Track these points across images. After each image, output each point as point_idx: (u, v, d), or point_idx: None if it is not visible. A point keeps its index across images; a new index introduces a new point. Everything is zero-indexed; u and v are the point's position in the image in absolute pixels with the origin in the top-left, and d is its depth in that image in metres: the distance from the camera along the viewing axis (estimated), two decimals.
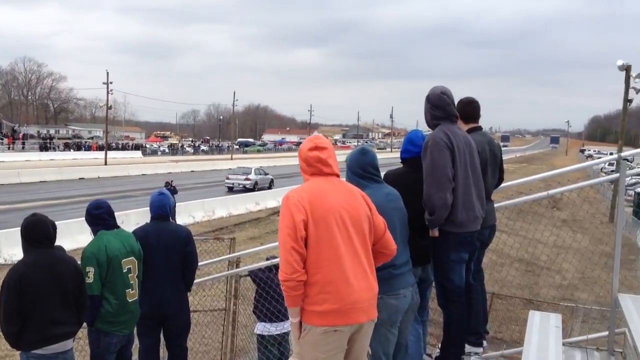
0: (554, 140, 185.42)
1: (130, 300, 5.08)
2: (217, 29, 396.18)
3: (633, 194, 39.07)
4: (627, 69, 32.58)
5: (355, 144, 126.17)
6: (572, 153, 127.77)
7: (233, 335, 9.00)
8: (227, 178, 43.45)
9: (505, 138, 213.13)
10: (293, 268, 3.18)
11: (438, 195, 4.06)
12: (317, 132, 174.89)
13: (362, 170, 3.97)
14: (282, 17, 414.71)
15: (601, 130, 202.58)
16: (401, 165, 4.61)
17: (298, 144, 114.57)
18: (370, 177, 3.97)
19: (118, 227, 5.22)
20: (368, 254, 3.41)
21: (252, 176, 42.80)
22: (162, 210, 5.65)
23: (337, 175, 3.53)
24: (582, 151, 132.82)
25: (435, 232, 4.17)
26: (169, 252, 5.45)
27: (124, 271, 5.03)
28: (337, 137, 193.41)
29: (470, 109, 4.83)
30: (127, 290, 5.05)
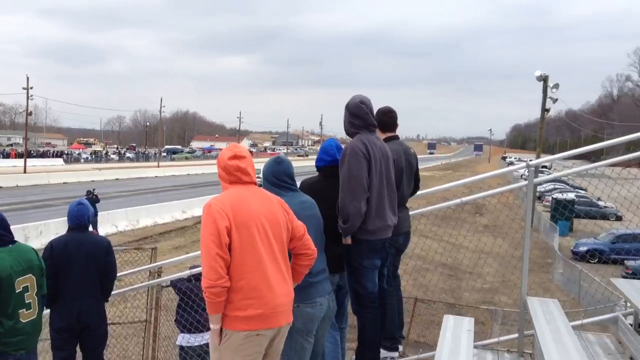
0: (478, 148, 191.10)
1: (24, 321, 4.72)
2: (143, 34, 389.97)
3: (551, 199, 40.72)
4: (544, 79, 33.94)
5: (285, 151, 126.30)
6: (495, 160, 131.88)
7: (154, 347, 8.83)
8: None
9: (431, 146, 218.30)
10: (218, 274, 3.22)
11: (353, 204, 4.12)
12: (247, 139, 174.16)
13: (277, 179, 4.00)
14: (209, 23, 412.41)
15: (522, 138, 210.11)
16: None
17: None
18: (285, 186, 3.99)
19: (14, 242, 4.87)
20: (286, 260, 3.51)
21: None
22: (80, 220, 5.51)
23: (255, 184, 3.60)
24: (504, 158, 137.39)
25: (348, 240, 4.23)
26: (88, 262, 5.33)
27: (19, 291, 4.69)
28: (267, 144, 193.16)
29: (387, 118, 4.91)
30: (20, 311, 4.69)
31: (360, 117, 4.33)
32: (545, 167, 38.01)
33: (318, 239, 4.00)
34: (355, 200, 4.12)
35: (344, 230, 4.19)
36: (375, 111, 4.65)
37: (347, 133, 4.43)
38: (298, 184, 4.55)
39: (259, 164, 5.22)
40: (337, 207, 4.22)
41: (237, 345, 3.31)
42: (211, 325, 3.36)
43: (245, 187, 3.50)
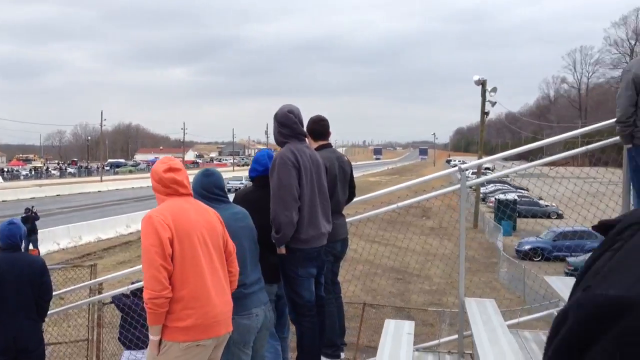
0: (423, 152, 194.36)
1: None
2: (82, 47, 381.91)
3: (494, 200, 41.62)
4: (482, 83, 34.75)
5: (232, 161, 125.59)
6: (440, 163, 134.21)
7: None
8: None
9: (377, 151, 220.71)
10: (162, 285, 3.23)
11: (284, 214, 4.13)
12: (192, 150, 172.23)
13: (207, 191, 3.97)
14: (150, 34, 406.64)
15: (465, 141, 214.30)
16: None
17: None
18: (216, 198, 3.95)
19: None
20: (224, 270, 3.56)
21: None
22: (12, 240, 5.35)
23: (192, 195, 3.63)
24: (449, 161, 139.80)
25: (282, 250, 4.23)
26: (22, 283, 5.18)
27: None
28: (213, 154, 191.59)
29: (319, 127, 4.95)
30: None
31: (288, 126, 4.35)
32: (488, 168, 38.85)
33: (252, 250, 4.00)
34: (286, 210, 4.13)
35: (277, 240, 4.18)
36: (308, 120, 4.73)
37: (277, 143, 4.45)
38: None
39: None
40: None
41: (175, 357, 3.31)
42: (150, 337, 3.34)
43: (182, 199, 3.53)
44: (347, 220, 5.30)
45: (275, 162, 4.24)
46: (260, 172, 4.53)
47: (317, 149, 4.78)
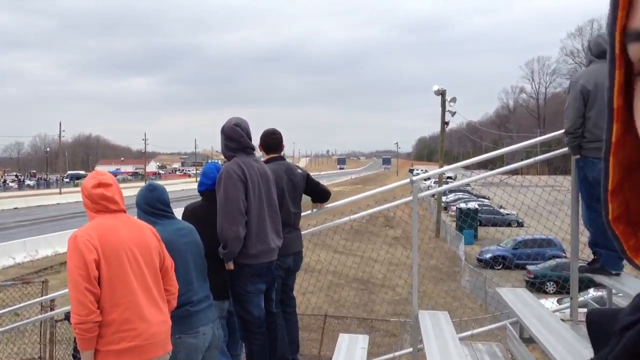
0: (386, 162, 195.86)
1: None
2: (40, 56, 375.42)
3: (456, 209, 42.05)
4: (442, 93, 35.17)
5: (195, 172, 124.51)
6: (403, 173, 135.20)
7: None
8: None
9: (341, 161, 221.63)
10: (88, 309, 3.10)
11: (230, 229, 4.06)
12: (154, 161, 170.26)
13: (151, 207, 3.86)
14: (107, 43, 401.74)
15: (427, 150, 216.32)
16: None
17: (134, 174, 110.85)
18: (159, 214, 3.86)
19: None
20: (160, 288, 3.42)
21: None
22: None
23: (124, 211, 3.47)
24: (411, 171, 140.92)
25: (230, 265, 4.15)
26: None
27: None
28: (176, 165, 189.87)
29: (270, 140, 4.91)
30: None
31: (235, 139, 4.29)
32: (450, 177, 39.25)
33: (199, 265, 3.91)
34: (232, 225, 4.05)
35: (224, 255, 4.11)
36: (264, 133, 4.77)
37: (224, 156, 4.38)
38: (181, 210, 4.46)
39: (167, 186, 5.07)
40: None
41: None
42: None
43: (113, 216, 3.37)
44: (305, 231, 5.24)
45: (222, 175, 4.17)
46: (209, 186, 4.44)
47: (266, 161, 4.74)
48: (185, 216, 4.33)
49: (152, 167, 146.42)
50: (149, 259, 3.37)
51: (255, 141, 4.47)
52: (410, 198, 5.07)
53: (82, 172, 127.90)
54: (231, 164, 4.22)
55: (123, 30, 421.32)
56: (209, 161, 5.01)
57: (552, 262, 24.59)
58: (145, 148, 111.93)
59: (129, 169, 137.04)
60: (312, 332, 16.33)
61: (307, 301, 9.72)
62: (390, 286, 21.77)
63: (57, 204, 61.94)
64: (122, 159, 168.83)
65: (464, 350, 4.29)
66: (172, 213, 3.96)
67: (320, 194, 5.12)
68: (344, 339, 4.87)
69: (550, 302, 11.18)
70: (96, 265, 3.15)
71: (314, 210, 5.29)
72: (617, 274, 4.47)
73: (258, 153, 4.64)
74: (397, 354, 5.33)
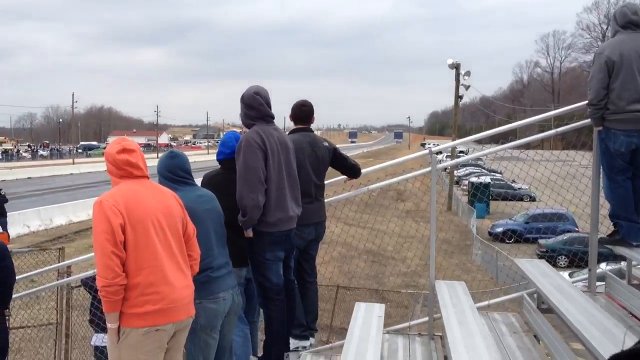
0: (398, 136, 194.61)
1: None
2: (53, 27, 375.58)
3: (468, 183, 41.95)
4: (456, 67, 34.83)
5: (206, 144, 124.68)
6: (415, 147, 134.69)
7: (67, 349, 8.51)
8: None
9: (353, 134, 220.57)
10: (115, 272, 3.16)
11: (250, 197, 4.05)
12: (166, 133, 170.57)
13: (172, 173, 3.87)
14: (121, 15, 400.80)
15: (439, 125, 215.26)
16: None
17: (146, 145, 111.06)
18: (181, 181, 3.87)
19: None
20: (183, 254, 3.47)
21: None
22: None
23: (148, 177, 3.51)
24: (423, 145, 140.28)
25: (249, 233, 4.16)
26: None
27: None
28: (188, 137, 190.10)
29: (300, 111, 4.87)
30: None
31: (255, 108, 4.26)
32: (462, 152, 39.07)
33: (219, 233, 3.93)
34: (252, 193, 4.05)
35: (243, 223, 4.12)
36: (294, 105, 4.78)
37: (244, 125, 4.37)
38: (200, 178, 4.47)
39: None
40: None
41: (135, 343, 3.26)
42: (108, 325, 3.28)
43: (137, 182, 3.41)
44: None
45: (241, 144, 4.15)
46: (227, 155, 4.45)
47: (292, 131, 4.74)
48: (203, 184, 4.33)
49: (164, 139, 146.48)
50: (172, 224, 3.41)
51: (276, 110, 4.44)
52: (429, 169, 5.04)
53: (94, 143, 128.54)
54: (251, 132, 4.20)
55: (136, 1, 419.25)
56: (228, 131, 4.99)
57: (564, 236, 24.54)
58: (157, 120, 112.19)
59: (141, 140, 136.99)
60: (324, 303, 16.48)
61: (320, 272, 9.77)
62: (400, 258, 21.84)
63: (70, 174, 62.35)
64: (134, 130, 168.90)
65: (481, 320, 4.30)
66: (193, 180, 3.96)
67: (350, 169, 5.06)
68: (360, 307, 4.88)
69: (565, 276, 11.17)
70: (122, 229, 3.20)
71: (350, 186, 5.29)
72: (638, 245, 4.45)
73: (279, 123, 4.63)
74: (412, 322, 5.34)
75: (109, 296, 3.17)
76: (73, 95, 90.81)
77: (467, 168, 48.74)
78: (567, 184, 6.69)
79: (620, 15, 4.59)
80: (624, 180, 4.49)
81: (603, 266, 7.17)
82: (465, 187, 45.99)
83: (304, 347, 4.79)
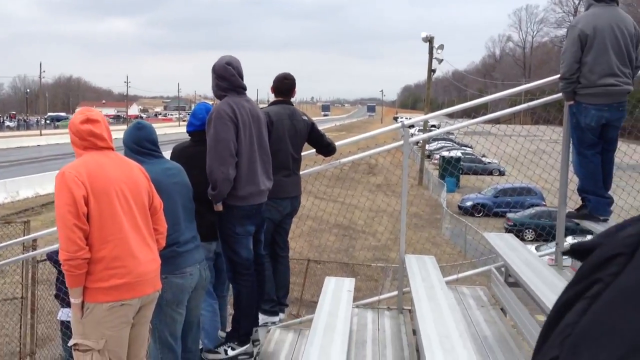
0: (371, 109, 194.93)
1: None
2: None
3: (439, 157, 42.23)
4: (430, 40, 34.78)
5: (177, 116, 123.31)
6: (387, 120, 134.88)
7: (32, 324, 8.41)
8: None
9: (325, 108, 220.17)
10: (77, 245, 3.08)
11: (220, 170, 3.97)
12: (136, 104, 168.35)
13: (139, 145, 3.78)
14: None
15: (412, 98, 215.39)
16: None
17: (116, 117, 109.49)
18: (147, 153, 3.78)
19: None
20: (149, 227, 3.42)
21: None
22: None
23: (112, 149, 3.42)
24: (396, 119, 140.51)
25: (219, 207, 4.09)
26: None
27: None
28: (158, 109, 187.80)
29: (281, 84, 4.80)
30: None
31: (226, 79, 4.15)
32: (434, 126, 39.24)
33: (186, 207, 3.86)
34: (222, 166, 3.97)
35: (213, 196, 4.03)
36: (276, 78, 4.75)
37: (215, 96, 4.26)
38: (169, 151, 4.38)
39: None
40: None
41: (100, 318, 3.20)
42: (72, 300, 3.21)
43: (101, 153, 3.32)
44: None
45: (212, 116, 4.05)
46: (197, 127, 4.35)
47: (272, 103, 4.67)
48: (173, 156, 4.25)
49: (134, 110, 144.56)
50: (138, 197, 3.34)
51: (247, 81, 4.35)
52: (401, 142, 5.01)
53: (62, 114, 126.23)
54: (222, 104, 4.10)
55: None
56: (200, 102, 4.90)
57: (531, 211, 24.87)
58: (127, 91, 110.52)
59: (111, 112, 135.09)
60: (294, 276, 16.52)
61: (290, 246, 9.78)
62: (370, 232, 21.97)
63: (38, 145, 61.21)
64: (104, 101, 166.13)
65: (450, 293, 4.32)
66: (161, 152, 3.89)
67: (325, 147, 4.99)
68: (330, 281, 4.87)
69: (532, 249, 11.33)
70: (85, 201, 3.13)
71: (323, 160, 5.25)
72: (605, 220, 4.50)
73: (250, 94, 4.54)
74: (382, 296, 5.36)
75: (72, 270, 3.10)
76: (41, 64, 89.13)
77: (439, 142, 49.02)
78: (536, 158, 6.74)
79: None
80: (594, 155, 4.52)
81: (569, 240, 7.28)
82: (436, 162, 46.29)
83: (273, 323, 4.78)
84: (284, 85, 4.81)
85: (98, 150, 3.31)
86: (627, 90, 4.53)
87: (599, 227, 4.45)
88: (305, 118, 4.88)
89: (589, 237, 5.14)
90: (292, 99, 4.91)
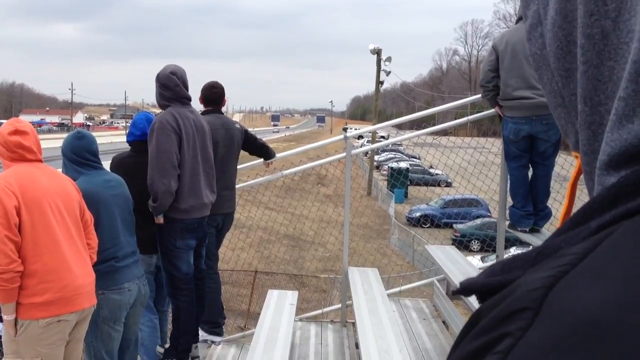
0: (320, 120, 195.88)
1: None
2: None
3: (388, 168, 42.63)
4: (378, 52, 35.16)
5: (124, 124, 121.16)
6: (337, 131, 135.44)
7: None
8: None
9: (275, 118, 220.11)
10: (9, 258, 2.97)
11: (161, 182, 3.90)
12: (82, 112, 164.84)
13: (78, 156, 3.67)
14: None
15: (361, 109, 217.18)
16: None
17: (60, 125, 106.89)
18: (86, 164, 3.67)
19: None
20: (82, 240, 3.33)
21: None
22: None
23: (41, 161, 3.33)
24: (345, 129, 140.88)
25: (160, 219, 4.00)
26: None
27: None
28: (105, 117, 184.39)
29: (210, 93, 4.71)
30: None
31: (170, 88, 4.08)
32: (382, 137, 39.58)
33: (126, 220, 3.77)
34: (164, 178, 3.89)
35: (154, 209, 3.95)
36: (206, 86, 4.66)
37: (159, 105, 4.18)
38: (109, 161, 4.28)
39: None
40: None
41: (36, 335, 3.08)
42: (4, 316, 3.09)
43: (30, 165, 3.22)
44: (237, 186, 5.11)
45: (154, 126, 3.97)
46: (138, 137, 4.26)
47: (203, 113, 4.58)
48: (112, 167, 4.15)
49: (79, 118, 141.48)
50: (70, 209, 3.26)
51: (194, 92, 4.30)
52: (344, 154, 5.02)
53: (3, 120, 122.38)
54: (165, 114, 4.03)
55: None
56: (140, 112, 4.81)
57: (477, 221, 25.30)
58: (72, 98, 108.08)
59: (55, 119, 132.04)
60: (242, 288, 16.36)
61: (236, 257, 9.68)
62: (320, 243, 21.97)
63: None
64: (48, 108, 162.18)
65: (392, 306, 4.34)
66: (100, 164, 3.78)
67: (259, 149, 4.97)
68: (272, 295, 4.83)
69: (476, 260, 11.51)
70: (17, 212, 3.02)
71: (265, 170, 5.22)
72: (524, 231, 4.58)
73: (195, 104, 4.48)
74: (326, 309, 5.35)
75: (4, 284, 2.98)
76: None
77: (387, 153, 49.55)
78: (485, 169, 6.86)
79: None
80: (516, 168, 4.61)
81: (512, 250, 7.43)
82: (385, 172, 46.70)
83: (214, 342, 4.72)
84: (214, 94, 4.74)
85: (26, 162, 3.22)
86: (544, 103, 4.57)
87: (536, 240, 4.54)
88: (238, 126, 4.85)
89: (531, 247, 5.24)
90: (235, 108, 4.87)
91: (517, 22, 4.83)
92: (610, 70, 0.38)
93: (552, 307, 0.32)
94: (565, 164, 5.40)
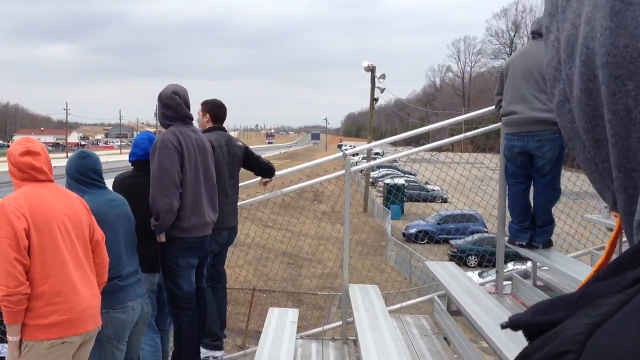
0: (315, 137, 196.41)
1: None
2: None
3: (384, 185, 42.66)
4: (372, 70, 35.33)
5: (119, 143, 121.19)
6: (332, 148, 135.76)
7: None
8: None
9: (270, 135, 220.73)
10: (18, 281, 2.97)
11: (163, 201, 3.93)
12: (76, 132, 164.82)
13: (82, 175, 3.69)
14: (24, 8, 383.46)
15: (356, 126, 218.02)
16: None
17: (55, 144, 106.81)
18: (91, 183, 3.70)
19: None
20: (89, 261, 3.34)
21: None
22: None
23: (52, 181, 3.34)
24: (340, 146, 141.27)
25: (162, 238, 4.03)
26: None
27: None
28: (100, 136, 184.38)
29: (220, 111, 4.82)
30: None
31: (172, 108, 4.13)
32: (377, 154, 39.68)
33: (129, 239, 3.79)
34: (166, 197, 3.92)
35: (156, 227, 3.99)
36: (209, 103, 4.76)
37: (161, 125, 4.23)
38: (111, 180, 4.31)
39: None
40: None
41: (40, 356, 3.08)
42: (9, 337, 3.09)
43: (40, 185, 3.23)
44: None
45: (157, 145, 4.01)
46: (140, 157, 4.31)
47: (207, 130, 4.63)
48: (115, 186, 4.19)
49: (73, 137, 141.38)
50: (79, 230, 3.27)
51: (194, 111, 4.34)
52: (343, 172, 5.06)
53: None
54: (167, 133, 4.07)
55: None
56: (141, 131, 4.87)
57: (474, 237, 25.31)
58: (66, 118, 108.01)
59: (50, 139, 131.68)
60: (240, 306, 16.29)
61: (235, 275, 9.69)
62: (318, 260, 21.92)
63: None
64: (42, 128, 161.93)
65: (393, 322, 4.35)
66: (104, 183, 3.81)
67: (262, 169, 5.01)
68: (273, 313, 4.84)
69: (475, 276, 11.53)
70: (26, 234, 3.03)
71: (264, 188, 5.25)
72: (521, 245, 4.61)
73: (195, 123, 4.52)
74: (327, 327, 5.35)
75: (11, 306, 2.99)
76: None
77: (383, 170, 49.62)
78: (475, 187, 6.90)
79: (532, 25, 4.82)
80: (513, 184, 4.66)
81: (510, 266, 7.45)
82: (381, 189, 46.70)
83: (215, 358, 4.71)
84: (222, 112, 4.83)
85: (37, 182, 3.23)
86: (535, 119, 4.31)
87: (536, 256, 4.57)
88: (240, 143, 4.91)
89: (529, 263, 5.27)
90: (231, 125, 4.93)
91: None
92: (638, 141, 0.42)
93: (592, 351, 0.37)
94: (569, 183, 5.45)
